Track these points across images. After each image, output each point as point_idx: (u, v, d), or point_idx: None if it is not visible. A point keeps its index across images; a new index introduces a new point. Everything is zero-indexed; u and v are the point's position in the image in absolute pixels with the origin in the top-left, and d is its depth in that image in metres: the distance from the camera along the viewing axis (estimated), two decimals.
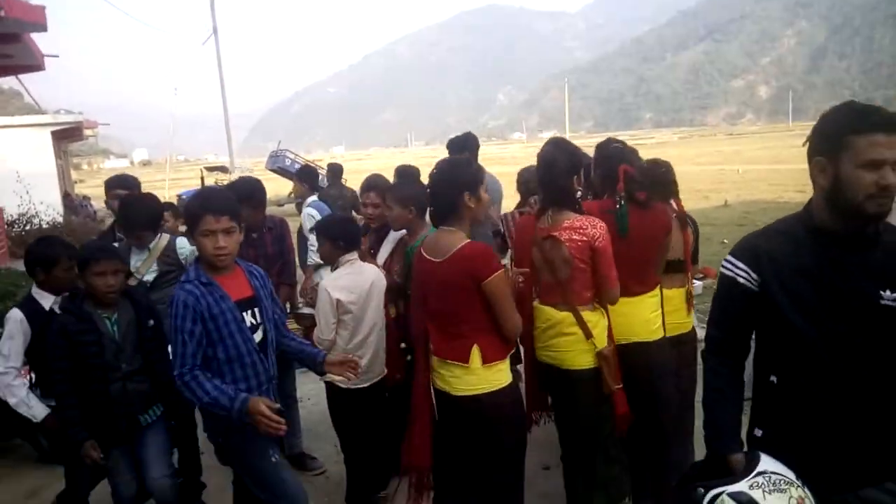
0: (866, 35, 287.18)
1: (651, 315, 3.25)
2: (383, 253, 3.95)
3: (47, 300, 3.40)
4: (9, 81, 15.63)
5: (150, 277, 3.80)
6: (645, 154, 3.79)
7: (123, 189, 4.41)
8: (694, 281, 8.67)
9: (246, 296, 2.76)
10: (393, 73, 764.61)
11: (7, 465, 4.74)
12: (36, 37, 10.63)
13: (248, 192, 4.02)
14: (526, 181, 4.70)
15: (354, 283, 3.47)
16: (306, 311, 4.06)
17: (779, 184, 22.66)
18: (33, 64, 12.01)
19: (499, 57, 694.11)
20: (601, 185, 3.40)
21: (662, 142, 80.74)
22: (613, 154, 3.33)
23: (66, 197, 19.05)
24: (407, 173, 4.67)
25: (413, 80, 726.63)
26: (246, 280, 2.81)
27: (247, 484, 2.84)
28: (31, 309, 3.38)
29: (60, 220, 15.55)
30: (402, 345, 3.65)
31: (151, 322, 3.24)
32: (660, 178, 3.55)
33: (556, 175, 3.04)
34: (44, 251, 3.45)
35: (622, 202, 3.15)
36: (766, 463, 1.92)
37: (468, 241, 2.78)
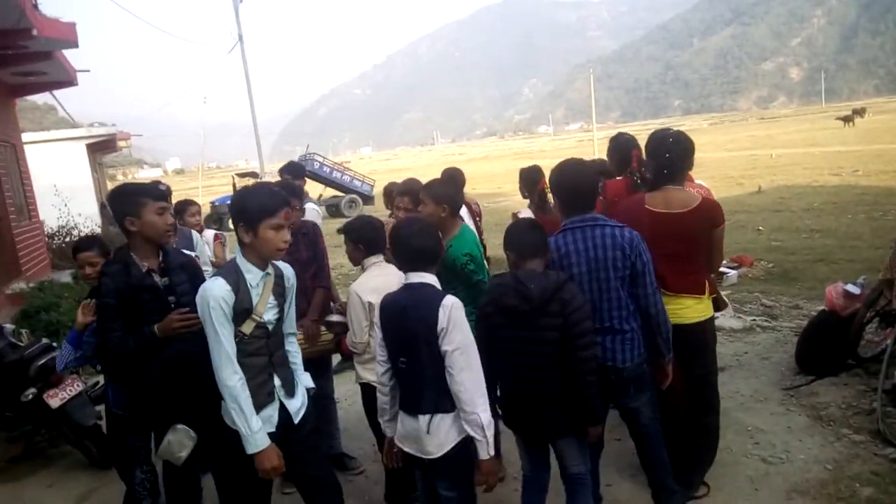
0: None
1: None
2: None
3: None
4: (43, 97, 16.00)
5: None
6: None
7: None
8: (728, 270, 8.60)
9: None
10: (417, 72, 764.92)
11: (58, 470, 4.89)
12: (68, 53, 10.91)
13: (292, 188, 4.25)
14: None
15: (383, 284, 3.49)
16: (336, 318, 4.10)
17: (813, 167, 22.21)
18: (66, 80, 12.30)
19: (522, 50, 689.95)
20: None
21: (692, 129, 79.45)
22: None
23: (103, 208, 19.41)
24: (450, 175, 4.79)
25: (437, 78, 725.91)
26: None
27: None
28: None
29: (99, 230, 15.90)
30: None
31: None
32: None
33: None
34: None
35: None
36: None
37: (700, 196, 3.46)
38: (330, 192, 27.29)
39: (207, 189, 38.84)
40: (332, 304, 4.41)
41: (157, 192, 3.13)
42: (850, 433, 4.25)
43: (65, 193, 14.50)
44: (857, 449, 4.06)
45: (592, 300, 3.07)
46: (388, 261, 3.66)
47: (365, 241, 3.64)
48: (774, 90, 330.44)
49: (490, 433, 2.67)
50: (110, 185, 32.63)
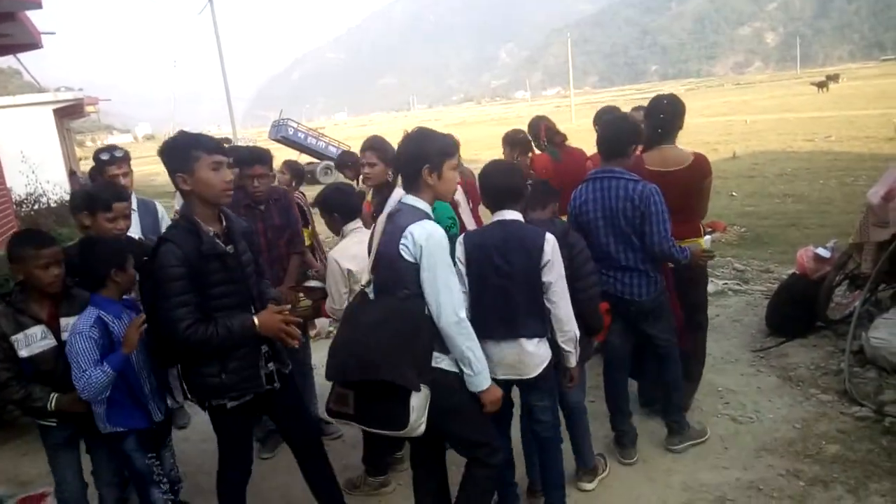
0: None
1: None
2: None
3: None
4: (7, 61, 15.53)
5: None
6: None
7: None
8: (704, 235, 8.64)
9: None
10: (392, 35, 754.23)
11: (32, 439, 4.81)
12: (31, 14, 10.55)
13: (260, 155, 4.14)
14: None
15: (363, 250, 3.48)
16: (314, 283, 4.08)
17: (788, 133, 22.41)
18: (31, 42, 11.90)
19: (499, 14, 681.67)
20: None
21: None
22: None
23: (72, 175, 19.02)
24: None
25: (413, 42, 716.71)
26: None
27: None
28: None
29: (68, 198, 15.59)
30: None
31: None
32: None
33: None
34: None
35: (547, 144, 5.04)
36: None
37: (692, 153, 3.89)
38: (305, 158, 26.98)
39: None
40: (308, 270, 4.39)
41: (212, 143, 2.72)
42: (818, 393, 4.36)
43: (32, 160, 14.19)
44: (825, 408, 4.16)
45: (608, 242, 3.52)
46: (367, 226, 3.64)
47: (337, 208, 3.61)
48: (750, 55, 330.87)
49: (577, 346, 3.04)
50: (79, 152, 31.94)
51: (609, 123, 3.67)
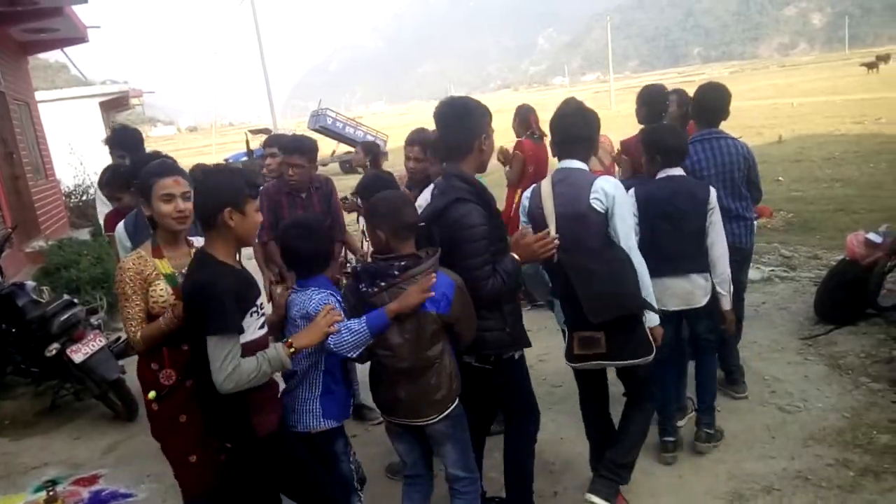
0: None
1: None
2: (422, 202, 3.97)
3: None
4: (55, 55, 15.97)
5: None
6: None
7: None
8: None
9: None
10: (430, 23, 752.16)
11: (84, 423, 5.01)
12: (77, 9, 10.80)
13: (301, 145, 4.17)
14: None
15: None
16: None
17: (835, 116, 21.73)
18: (77, 36, 12.22)
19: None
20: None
21: (713, 78, 77.90)
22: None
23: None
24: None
25: (451, 29, 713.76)
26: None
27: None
28: None
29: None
30: None
31: None
32: None
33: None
34: None
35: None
36: None
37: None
38: (343, 148, 27.13)
39: (221, 146, 38.78)
40: (350, 255, 4.43)
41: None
42: (869, 381, 4.24)
43: (80, 152, 14.55)
44: (876, 397, 4.05)
45: (722, 195, 3.75)
46: None
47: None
48: (796, 37, 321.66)
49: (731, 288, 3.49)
50: None
51: (708, 91, 4.06)
